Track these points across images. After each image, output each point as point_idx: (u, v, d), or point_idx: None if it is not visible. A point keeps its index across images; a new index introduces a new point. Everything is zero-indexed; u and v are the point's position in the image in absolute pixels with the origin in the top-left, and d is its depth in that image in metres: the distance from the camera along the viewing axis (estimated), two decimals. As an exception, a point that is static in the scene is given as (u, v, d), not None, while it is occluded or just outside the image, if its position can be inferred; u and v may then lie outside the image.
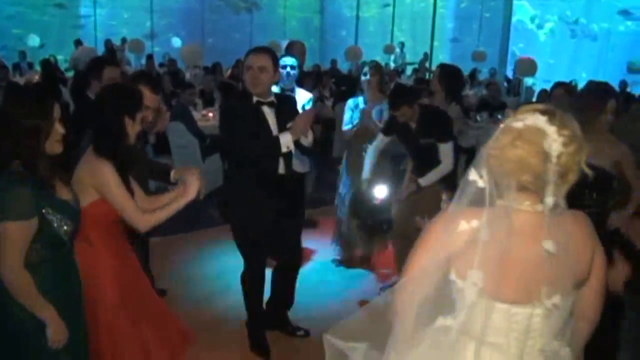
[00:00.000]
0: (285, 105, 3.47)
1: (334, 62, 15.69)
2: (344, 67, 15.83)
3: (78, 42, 14.28)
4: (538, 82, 14.58)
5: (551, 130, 1.47)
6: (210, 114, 8.02)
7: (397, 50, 17.94)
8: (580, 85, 12.22)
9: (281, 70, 4.06)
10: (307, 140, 3.40)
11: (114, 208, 2.52)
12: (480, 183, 1.54)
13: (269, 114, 3.35)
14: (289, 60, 4.49)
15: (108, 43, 15.20)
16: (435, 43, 15.15)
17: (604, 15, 18.02)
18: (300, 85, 5.00)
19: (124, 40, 15.82)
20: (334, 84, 10.89)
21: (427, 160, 4.01)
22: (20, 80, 10.95)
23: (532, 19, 19.28)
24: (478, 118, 8.16)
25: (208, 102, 8.81)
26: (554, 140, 1.47)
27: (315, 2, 20.86)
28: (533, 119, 1.49)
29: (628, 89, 13.17)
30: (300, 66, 5.95)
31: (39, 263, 2.15)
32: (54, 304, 2.18)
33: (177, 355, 2.81)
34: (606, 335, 3.34)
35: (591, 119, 2.99)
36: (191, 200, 2.68)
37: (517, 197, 1.53)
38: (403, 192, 4.20)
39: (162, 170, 3.21)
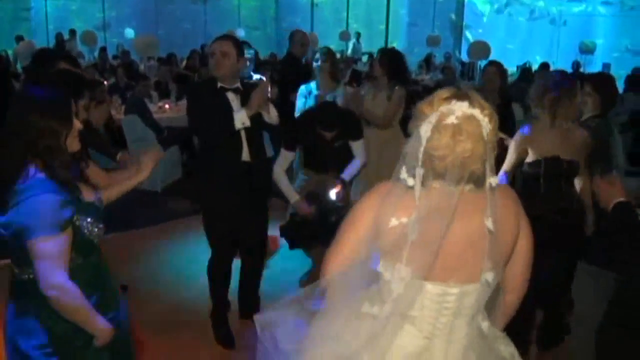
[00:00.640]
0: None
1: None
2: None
3: (19, 38, 13.79)
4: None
5: (478, 114, 1.51)
6: (167, 106, 7.92)
7: (354, 40, 17.97)
8: (534, 67, 12.62)
9: None
10: (270, 116, 3.40)
11: None
12: (410, 182, 1.55)
13: (234, 100, 3.33)
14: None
15: (59, 36, 14.80)
16: (390, 28, 15.18)
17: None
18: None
19: (72, 32, 15.42)
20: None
21: (343, 159, 3.93)
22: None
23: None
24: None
25: (164, 94, 8.66)
26: (486, 123, 1.52)
27: (269, -10, 20.65)
28: (460, 109, 1.51)
29: (581, 69, 14.01)
30: (300, 57, 5.90)
31: (74, 270, 1.96)
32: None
33: None
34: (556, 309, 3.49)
35: (569, 111, 3.16)
36: (143, 179, 2.43)
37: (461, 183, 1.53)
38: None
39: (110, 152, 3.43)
